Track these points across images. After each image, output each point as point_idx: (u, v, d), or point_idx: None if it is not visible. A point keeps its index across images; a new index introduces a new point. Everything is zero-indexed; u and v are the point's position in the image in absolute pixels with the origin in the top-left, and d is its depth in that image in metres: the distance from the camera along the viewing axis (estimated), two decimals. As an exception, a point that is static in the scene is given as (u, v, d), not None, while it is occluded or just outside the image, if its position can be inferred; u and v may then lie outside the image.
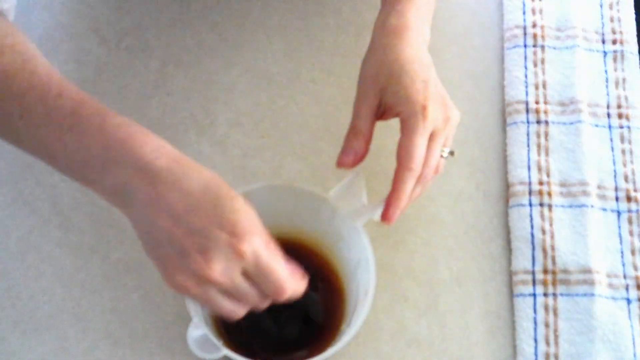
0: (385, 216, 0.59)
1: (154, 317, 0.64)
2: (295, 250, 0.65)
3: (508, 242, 0.68)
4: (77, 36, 0.76)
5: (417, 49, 0.61)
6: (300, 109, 0.73)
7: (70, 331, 0.63)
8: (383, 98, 0.61)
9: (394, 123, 0.62)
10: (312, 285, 0.64)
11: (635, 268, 0.66)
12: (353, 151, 0.61)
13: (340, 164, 0.61)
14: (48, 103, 0.52)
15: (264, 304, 0.54)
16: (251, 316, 0.62)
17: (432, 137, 0.60)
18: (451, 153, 0.62)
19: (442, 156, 0.61)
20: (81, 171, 0.53)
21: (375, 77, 0.61)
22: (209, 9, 0.78)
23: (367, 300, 0.58)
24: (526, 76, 0.74)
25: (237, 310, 0.53)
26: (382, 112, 0.62)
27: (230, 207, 0.51)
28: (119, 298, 0.64)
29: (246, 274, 0.52)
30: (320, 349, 0.58)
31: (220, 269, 0.50)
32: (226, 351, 0.56)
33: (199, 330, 0.57)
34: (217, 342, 0.57)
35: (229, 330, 0.61)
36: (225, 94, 0.74)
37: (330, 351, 0.57)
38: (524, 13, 0.77)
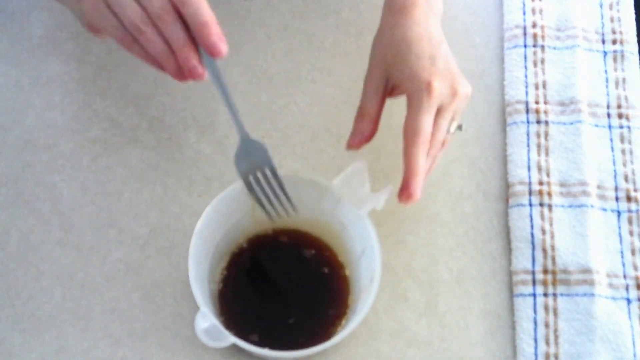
0: (406, 194, 0.58)
1: (154, 317, 0.64)
2: (299, 240, 0.65)
3: (508, 242, 0.68)
4: (77, 36, 0.76)
5: (424, 26, 0.61)
6: (300, 109, 0.73)
7: (70, 331, 0.63)
8: (390, 77, 0.61)
9: (396, 124, 0.62)
10: (318, 275, 0.64)
11: (635, 268, 0.66)
12: (359, 133, 0.61)
13: (349, 146, 0.62)
14: None
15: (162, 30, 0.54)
16: (258, 305, 0.62)
17: (438, 112, 0.60)
18: (459, 127, 0.62)
19: (450, 131, 0.61)
20: None
21: (383, 57, 0.62)
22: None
23: (373, 287, 0.58)
24: (526, 76, 0.74)
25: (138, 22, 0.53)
26: (390, 90, 0.62)
27: None
28: (119, 298, 0.64)
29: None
30: (326, 337, 0.58)
31: None
32: (234, 339, 0.56)
33: (206, 320, 0.57)
34: (225, 331, 0.56)
35: (236, 320, 0.62)
36: (225, 94, 0.74)
37: (336, 339, 0.57)
38: (524, 13, 0.77)
